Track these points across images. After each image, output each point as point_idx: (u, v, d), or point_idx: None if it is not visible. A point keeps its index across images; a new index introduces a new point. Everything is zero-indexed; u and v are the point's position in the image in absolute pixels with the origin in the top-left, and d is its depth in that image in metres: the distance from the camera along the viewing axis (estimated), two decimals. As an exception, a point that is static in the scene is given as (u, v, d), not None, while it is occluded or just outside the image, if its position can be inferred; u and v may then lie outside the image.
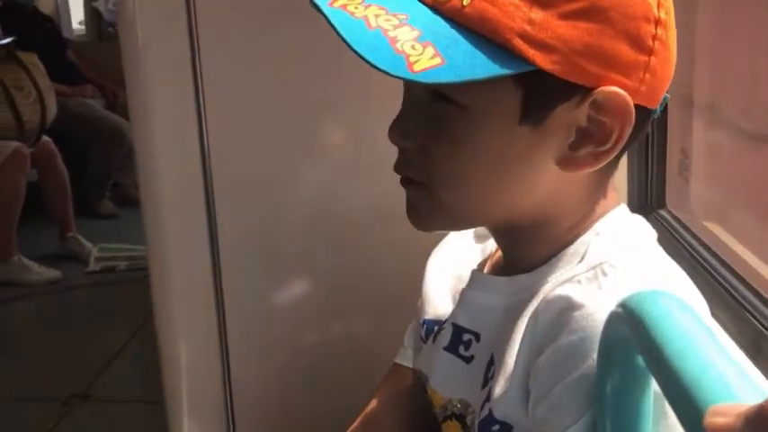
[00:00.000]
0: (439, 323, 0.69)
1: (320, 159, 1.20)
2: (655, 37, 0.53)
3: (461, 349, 0.63)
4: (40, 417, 2.05)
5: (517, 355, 0.55)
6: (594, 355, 0.49)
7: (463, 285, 0.66)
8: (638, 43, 0.52)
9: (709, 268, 0.92)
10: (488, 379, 0.59)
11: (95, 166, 3.48)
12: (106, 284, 2.90)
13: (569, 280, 0.55)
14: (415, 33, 0.50)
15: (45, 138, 3.08)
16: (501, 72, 0.50)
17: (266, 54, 1.13)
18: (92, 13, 4.38)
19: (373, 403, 0.80)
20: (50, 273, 2.90)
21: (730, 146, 1.08)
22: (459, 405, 0.63)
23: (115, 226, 3.40)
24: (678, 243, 1.00)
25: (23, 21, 3.45)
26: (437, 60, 0.48)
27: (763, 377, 0.48)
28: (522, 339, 0.55)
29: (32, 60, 3.07)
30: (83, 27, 4.49)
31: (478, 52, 0.50)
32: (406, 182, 0.59)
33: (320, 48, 1.13)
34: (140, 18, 1.09)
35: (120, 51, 1.12)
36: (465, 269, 0.67)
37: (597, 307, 0.51)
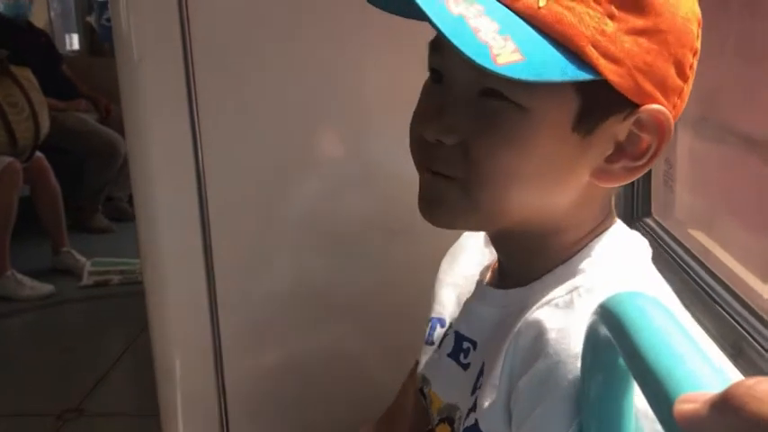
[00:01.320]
0: (442, 321, 0.71)
1: (315, 172, 1.20)
2: (691, 66, 0.55)
3: (461, 357, 0.64)
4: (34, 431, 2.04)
5: (501, 373, 0.57)
6: (570, 377, 0.51)
7: (470, 286, 0.67)
8: (680, 69, 0.55)
9: (693, 275, 0.94)
10: (477, 387, 0.60)
11: (89, 181, 3.47)
12: (100, 299, 2.89)
13: (548, 303, 0.56)
14: (495, 26, 0.49)
15: (37, 153, 3.08)
16: (576, 77, 0.50)
17: (260, 68, 1.13)
18: (85, 27, 4.39)
19: (397, 400, 0.82)
20: (44, 287, 2.89)
21: (714, 155, 1.10)
22: (451, 409, 0.64)
23: (109, 240, 3.39)
24: (664, 251, 1.02)
25: (18, 35, 3.45)
26: (517, 56, 0.48)
27: (732, 368, 0.49)
28: (505, 357, 0.57)
29: (26, 75, 3.07)
30: (76, 41, 4.50)
31: (555, 54, 0.50)
32: (433, 174, 0.57)
33: (314, 61, 1.15)
34: (135, 33, 1.10)
35: (113, 66, 1.13)
36: (474, 270, 0.68)
37: (569, 330, 0.52)
